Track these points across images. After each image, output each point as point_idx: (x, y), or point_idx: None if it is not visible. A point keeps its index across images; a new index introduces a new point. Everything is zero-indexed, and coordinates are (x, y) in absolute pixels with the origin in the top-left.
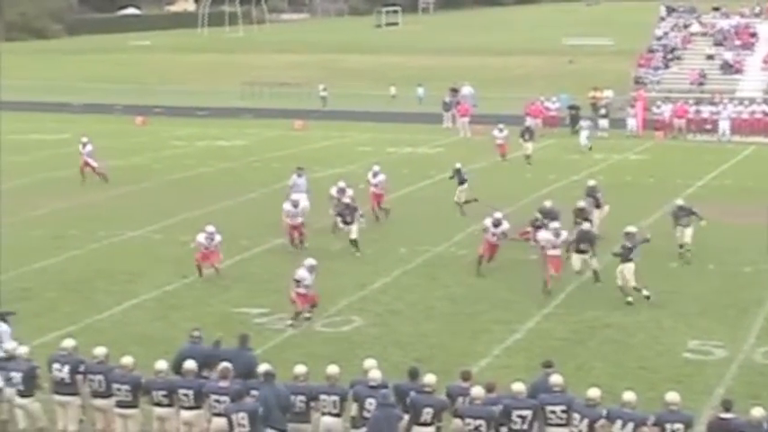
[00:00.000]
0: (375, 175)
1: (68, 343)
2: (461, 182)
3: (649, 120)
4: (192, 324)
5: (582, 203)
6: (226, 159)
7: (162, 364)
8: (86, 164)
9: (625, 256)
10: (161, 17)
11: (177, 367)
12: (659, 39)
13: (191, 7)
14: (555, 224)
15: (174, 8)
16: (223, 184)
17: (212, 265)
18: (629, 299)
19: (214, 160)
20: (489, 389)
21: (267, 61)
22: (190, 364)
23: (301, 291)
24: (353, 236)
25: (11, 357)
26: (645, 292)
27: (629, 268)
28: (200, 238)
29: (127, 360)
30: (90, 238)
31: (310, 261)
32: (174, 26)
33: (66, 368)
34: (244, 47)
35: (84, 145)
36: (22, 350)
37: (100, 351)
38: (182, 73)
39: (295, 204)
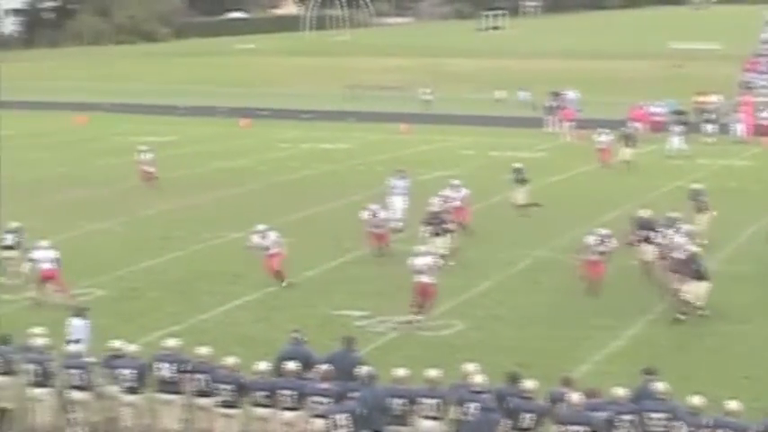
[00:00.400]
0: (457, 189)
1: (172, 342)
2: (522, 182)
3: (756, 125)
4: (294, 326)
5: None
6: (329, 162)
7: (263, 365)
8: (145, 172)
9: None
10: (267, 20)
11: (278, 368)
12: (765, 43)
13: (296, 11)
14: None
15: (279, 11)
16: (326, 186)
17: (276, 269)
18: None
19: (317, 163)
20: (592, 395)
21: (371, 64)
22: (291, 366)
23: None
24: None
25: (120, 355)
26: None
27: (705, 286)
28: (255, 238)
29: (230, 360)
30: (194, 239)
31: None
32: (280, 29)
33: (171, 367)
34: (349, 50)
35: (143, 153)
36: (131, 348)
37: (203, 351)
38: (286, 76)
39: (374, 213)
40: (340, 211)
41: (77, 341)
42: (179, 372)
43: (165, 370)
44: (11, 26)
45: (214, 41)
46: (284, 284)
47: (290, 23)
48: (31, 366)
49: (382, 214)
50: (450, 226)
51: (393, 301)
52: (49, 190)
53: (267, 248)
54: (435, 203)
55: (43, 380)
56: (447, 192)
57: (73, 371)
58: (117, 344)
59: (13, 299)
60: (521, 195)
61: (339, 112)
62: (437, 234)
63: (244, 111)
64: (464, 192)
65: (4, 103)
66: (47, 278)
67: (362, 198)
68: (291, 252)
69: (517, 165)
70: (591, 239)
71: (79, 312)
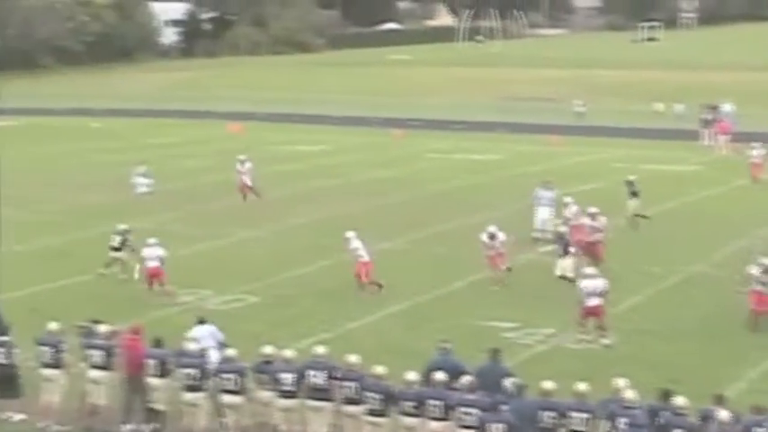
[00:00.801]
0: (569, 206)
1: (322, 350)
2: (634, 195)
3: None
4: (442, 336)
5: None
6: (479, 173)
7: (412, 375)
8: (243, 183)
9: None
10: (420, 32)
11: (427, 378)
12: None
13: (449, 22)
14: None
15: (433, 23)
16: (476, 197)
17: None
18: None
19: (467, 174)
20: (758, 411)
21: (524, 76)
22: (439, 376)
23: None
24: (559, 272)
25: (270, 360)
26: None
27: None
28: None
29: (379, 369)
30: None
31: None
32: (433, 40)
33: (323, 374)
34: (501, 61)
35: (243, 163)
36: (287, 353)
37: (353, 359)
38: (439, 86)
39: (491, 236)
40: (489, 222)
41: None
42: (330, 378)
43: (317, 377)
44: (170, 37)
45: (368, 52)
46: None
47: (443, 35)
48: (187, 371)
49: (501, 236)
50: (571, 248)
51: (542, 312)
52: (203, 197)
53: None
54: (560, 224)
55: (198, 384)
56: (570, 210)
57: (227, 375)
58: (269, 350)
59: (165, 303)
60: (632, 207)
61: (491, 123)
62: (562, 255)
63: (396, 121)
64: (594, 220)
65: (162, 111)
66: (153, 276)
67: (511, 210)
68: (442, 262)
69: (630, 177)
70: (754, 270)
71: (202, 320)
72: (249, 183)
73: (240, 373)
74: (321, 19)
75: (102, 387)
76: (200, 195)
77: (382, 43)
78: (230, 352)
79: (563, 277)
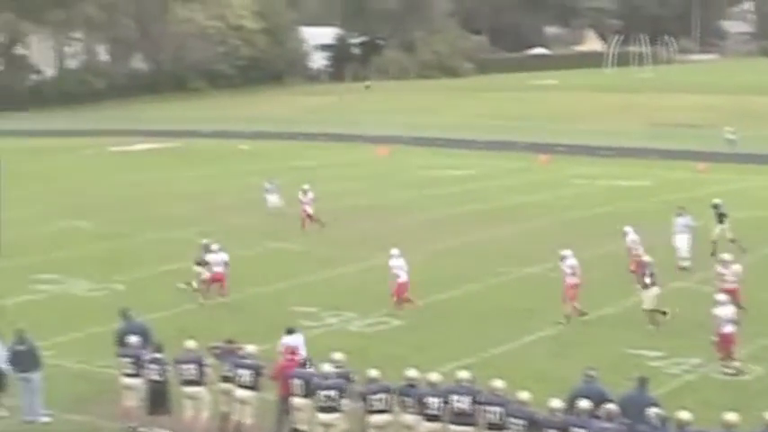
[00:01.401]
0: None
1: (465, 375)
2: (720, 218)
3: None
4: (588, 363)
5: None
6: (625, 199)
7: (556, 402)
8: (305, 213)
9: None
10: (568, 57)
11: (571, 405)
12: None
13: (598, 47)
14: None
15: (581, 48)
16: (622, 223)
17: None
18: None
19: (614, 200)
20: None
21: (675, 101)
22: (584, 404)
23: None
24: (647, 306)
25: (413, 384)
26: None
27: None
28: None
29: (524, 395)
30: (489, 272)
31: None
32: (581, 66)
33: (467, 399)
34: (652, 87)
35: (306, 192)
36: (434, 377)
37: (498, 384)
38: (587, 112)
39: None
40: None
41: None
42: (473, 404)
43: (461, 402)
44: (320, 61)
45: (515, 77)
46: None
47: (592, 60)
48: (327, 392)
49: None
50: (647, 279)
51: (689, 341)
52: (349, 220)
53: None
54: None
55: (334, 405)
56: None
57: (378, 395)
58: (413, 373)
59: (313, 324)
60: (717, 232)
61: (640, 149)
62: (645, 287)
63: (542, 146)
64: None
65: (310, 134)
66: (215, 280)
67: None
68: (589, 288)
69: (716, 201)
70: None
71: (291, 330)
72: (311, 212)
73: (388, 391)
74: (469, 44)
75: (248, 407)
76: (346, 218)
77: (530, 68)
78: (374, 372)
79: (652, 311)
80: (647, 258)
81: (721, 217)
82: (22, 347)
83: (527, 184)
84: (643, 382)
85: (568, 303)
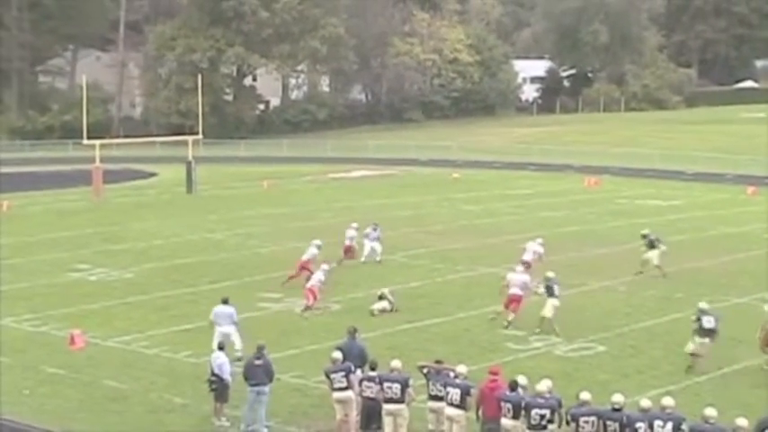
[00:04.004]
0: None
1: (668, 402)
2: (651, 246)
3: None
4: None
5: None
6: None
7: (742, 421)
8: (348, 247)
9: None
10: None
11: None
12: None
13: None
14: None
15: None
16: None
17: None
18: None
19: None
20: None
21: None
22: None
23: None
24: None
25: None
26: None
27: None
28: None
29: (741, 421)
30: (695, 301)
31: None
32: None
33: (669, 425)
34: None
35: (351, 229)
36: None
37: (708, 412)
38: None
39: None
40: None
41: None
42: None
43: (665, 428)
44: (531, 92)
45: (723, 110)
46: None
47: None
48: (540, 411)
49: None
50: None
51: None
52: (559, 248)
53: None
54: None
55: (545, 424)
56: None
57: (587, 418)
58: (618, 398)
59: (519, 348)
60: (652, 257)
61: None
62: None
63: (751, 178)
64: None
65: (520, 164)
66: (512, 302)
67: None
68: None
69: (644, 231)
70: None
71: (225, 300)
72: (352, 245)
73: (599, 415)
74: (679, 77)
75: (455, 425)
76: (555, 246)
77: (738, 101)
78: (586, 395)
79: None
80: None
81: (652, 243)
82: (259, 362)
83: (736, 215)
84: None
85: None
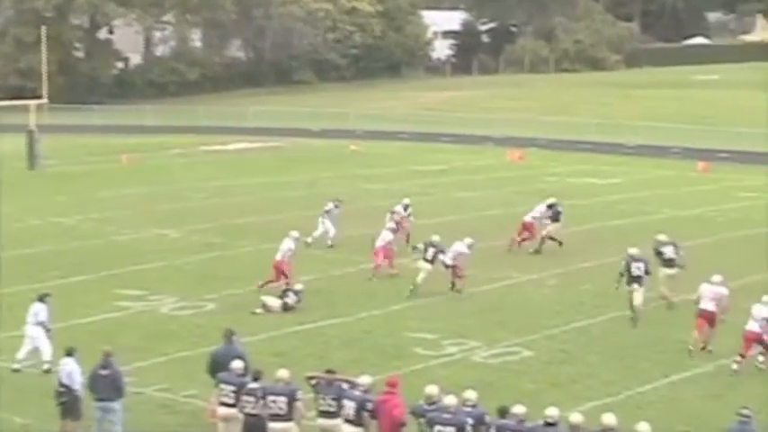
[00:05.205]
0: None
1: (609, 419)
2: (555, 219)
3: None
4: (752, 406)
5: None
6: None
7: None
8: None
9: None
10: (733, 48)
11: None
12: None
13: None
14: None
15: (749, 38)
16: None
17: None
18: None
19: None
20: None
21: None
22: None
23: None
24: None
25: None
26: None
27: None
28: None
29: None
30: None
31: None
32: (749, 58)
33: None
34: None
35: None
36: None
37: (642, 428)
38: (754, 113)
39: None
40: None
41: None
42: None
43: None
44: (443, 50)
45: (670, 71)
46: None
47: (762, 52)
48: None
49: None
50: None
51: None
52: (477, 234)
53: None
54: None
55: None
56: None
57: None
58: (552, 411)
59: (430, 353)
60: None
61: None
62: None
63: (701, 152)
64: None
65: (431, 134)
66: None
67: None
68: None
69: (551, 200)
70: None
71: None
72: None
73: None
74: (618, 32)
75: None
76: (473, 232)
77: (687, 61)
78: (520, 409)
79: None
80: None
81: (557, 215)
82: (105, 372)
83: (683, 196)
84: None
85: None
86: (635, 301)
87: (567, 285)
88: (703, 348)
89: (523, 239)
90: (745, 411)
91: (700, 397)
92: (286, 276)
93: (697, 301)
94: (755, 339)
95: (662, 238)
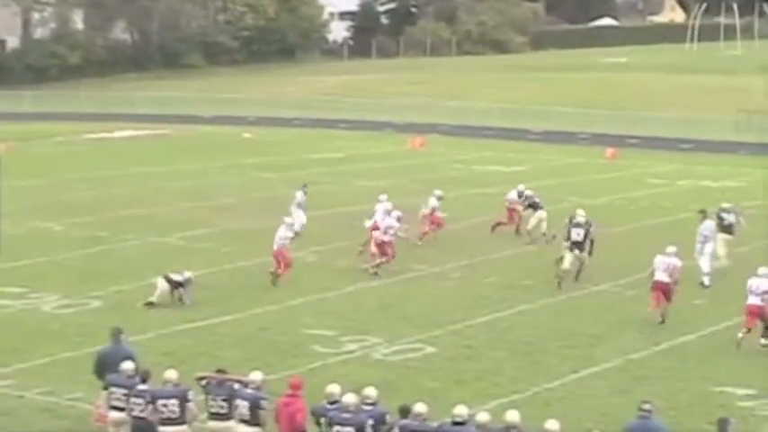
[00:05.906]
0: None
1: (512, 416)
2: (534, 207)
3: None
4: (660, 401)
5: None
6: (712, 203)
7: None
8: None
9: None
10: (642, 29)
11: None
12: None
13: (678, 18)
14: None
15: (657, 19)
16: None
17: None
18: None
19: (697, 204)
20: None
21: None
22: None
23: None
24: None
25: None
26: None
27: None
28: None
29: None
30: (545, 290)
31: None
32: (658, 40)
33: None
34: (741, 67)
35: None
36: (482, 417)
37: (551, 426)
38: (664, 97)
39: None
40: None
41: None
42: None
43: None
44: (340, 32)
45: (577, 53)
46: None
47: (670, 33)
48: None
49: None
50: None
51: None
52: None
53: None
54: None
55: None
56: None
57: None
58: (460, 410)
59: (329, 351)
60: (532, 221)
61: (728, 142)
62: None
63: (610, 138)
64: None
65: (328, 121)
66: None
67: (750, 249)
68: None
69: (525, 190)
70: None
71: None
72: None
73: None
74: (522, 13)
75: None
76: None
77: (594, 43)
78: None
79: None
80: None
81: (534, 206)
82: None
83: (592, 183)
84: (724, 424)
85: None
86: (564, 263)
87: (472, 278)
88: (662, 322)
89: (499, 223)
90: (645, 406)
91: (608, 392)
92: (286, 259)
93: (651, 274)
94: (758, 313)
95: (725, 205)
